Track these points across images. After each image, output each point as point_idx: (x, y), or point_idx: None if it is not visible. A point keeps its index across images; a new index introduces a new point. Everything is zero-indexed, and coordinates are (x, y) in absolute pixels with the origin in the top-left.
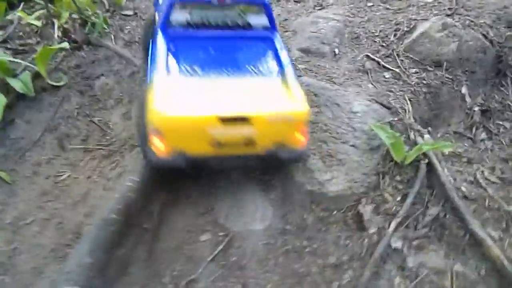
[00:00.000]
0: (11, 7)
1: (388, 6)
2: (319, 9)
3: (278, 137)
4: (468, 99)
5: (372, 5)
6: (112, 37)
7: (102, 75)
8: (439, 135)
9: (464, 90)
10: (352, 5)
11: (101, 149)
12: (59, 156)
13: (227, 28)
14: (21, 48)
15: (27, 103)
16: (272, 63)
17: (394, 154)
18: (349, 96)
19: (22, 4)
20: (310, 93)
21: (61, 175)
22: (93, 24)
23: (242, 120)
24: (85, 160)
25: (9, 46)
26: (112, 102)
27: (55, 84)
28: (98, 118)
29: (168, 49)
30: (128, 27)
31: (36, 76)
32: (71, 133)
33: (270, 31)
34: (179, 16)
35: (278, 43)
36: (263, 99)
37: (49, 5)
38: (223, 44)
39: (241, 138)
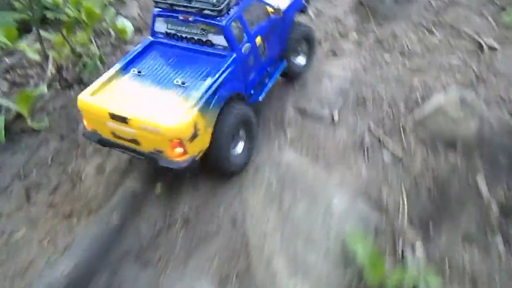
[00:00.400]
0: (28, 30)
1: (406, 63)
2: (333, 56)
3: (156, 144)
4: (485, 193)
5: (390, 60)
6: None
7: None
8: (442, 240)
9: (480, 181)
10: (368, 56)
11: (65, 206)
12: (22, 208)
13: (193, 42)
14: (19, 80)
15: (2, 145)
16: (198, 80)
17: (369, 276)
18: (331, 187)
19: (34, 29)
20: (287, 176)
21: (16, 233)
22: (86, 63)
23: (123, 120)
24: (46, 218)
25: (9, 76)
26: (91, 150)
27: (35, 127)
28: (73, 167)
29: (140, 51)
30: None
31: (18, 116)
32: (41, 182)
33: (227, 51)
34: (160, 26)
35: (225, 63)
36: (153, 108)
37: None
38: (180, 55)
39: (127, 134)
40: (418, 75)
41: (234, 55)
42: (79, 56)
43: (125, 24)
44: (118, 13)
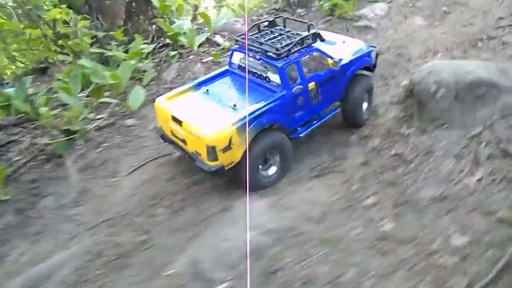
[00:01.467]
0: None
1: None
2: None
3: (197, 146)
4: None
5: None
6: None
7: (49, 195)
8: None
9: None
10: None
11: None
12: None
13: (256, 76)
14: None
15: None
16: (248, 105)
17: None
18: None
19: None
20: None
21: None
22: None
23: (179, 122)
24: None
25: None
26: (33, 231)
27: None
28: (11, 248)
29: (214, 76)
30: (107, 144)
31: None
32: None
33: (279, 88)
34: (235, 59)
35: (273, 97)
36: (203, 119)
37: None
38: (244, 84)
39: (180, 135)
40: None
41: (284, 92)
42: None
43: (139, 94)
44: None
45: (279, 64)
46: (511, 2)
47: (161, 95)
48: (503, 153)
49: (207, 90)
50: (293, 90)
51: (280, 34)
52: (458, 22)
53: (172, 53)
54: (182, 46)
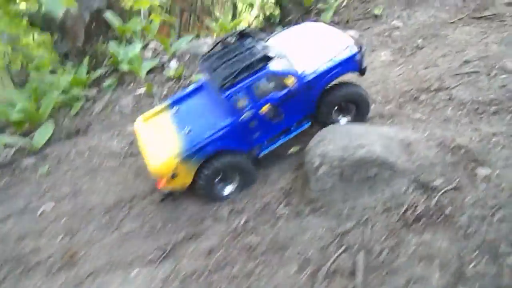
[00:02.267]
0: None
1: None
2: None
3: None
4: None
5: None
6: None
7: None
8: None
9: None
10: None
11: None
12: None
13: None
14: None
15: None
16: (201, 131)
17: None
18: None
19: None
20: None
21: None
22: None
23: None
24: None
25: None
26: None
27: None
28: None
29: (191, 91)
30: None
31: None
32: None
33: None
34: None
35: (221, 125)
36: (157, 147)
37: None
38: (210, 100)
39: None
40: None
41: (231, 120)
42: None
43: (46, 131)
44: None
45: (224, 94)
46: (494, 39)
47: (77, 130)
48: (350, 272)
49: (177, 110)
50: (242, 117)
51: (241, 53)
52: (424, 61)
53: (108, 82)
54: (131, 72)
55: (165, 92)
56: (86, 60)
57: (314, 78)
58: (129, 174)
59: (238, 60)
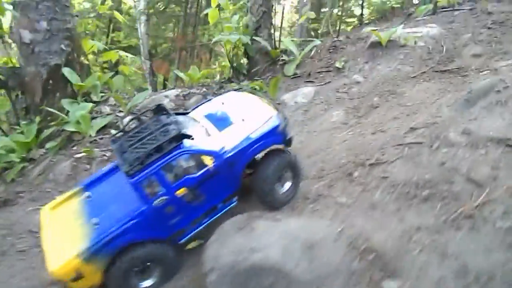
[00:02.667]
0: None
1: None
2: None
3: None
4: None
5: None
6: None
7: None
8: None
9: None
10: None
11: None
12: None
13: None
14: None
15: None
16: (110, 222)
17: None
18: None
19: None
20: None
21: None
22: None
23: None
24: None
25: None
26: None
27: None
28: None
29: (105, 172)
30: None
31: None
32: None
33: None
34: None
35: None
36: (60, 244)
37: None
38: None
39: None
40: None
41: (143, 209)
42: None
43: None
44: None
45: (133, 179)
46: (449, 99)
47: (6, 200)
48: None
49: (89, 196)
50: (155, 203)
51: (154, 131)
52: (373, 125)
53: (51, 143)
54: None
55: (109, 154)
56: (37, 119)
57: (235, 154)
58: (38, 259)
59: (148, 141)
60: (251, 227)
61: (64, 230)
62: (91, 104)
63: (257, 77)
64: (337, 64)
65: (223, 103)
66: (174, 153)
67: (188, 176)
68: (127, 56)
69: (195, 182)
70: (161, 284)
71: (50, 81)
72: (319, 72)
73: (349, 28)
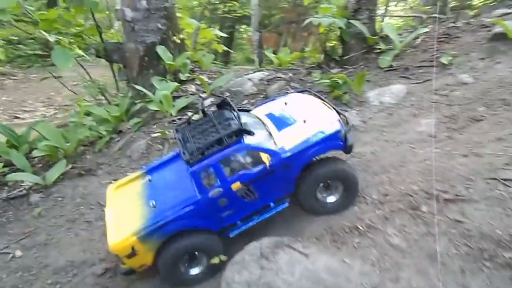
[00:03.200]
0: None
1: None
2: None
3: None
4: None
5: None
6: None
7: None
8: None
9: None
10: None
11: None
12: None
13: None
14: None
15: None
16: (167, 205)
17: None
18: None
19: None
20: None
21: None
22: None
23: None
24: None
25: None
26: None
27: None
28: None
29: (167, 160)
30: None
31: None
32: None
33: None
34: None
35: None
36: (121, 220)
37: None
38: (184, 174)
39: None
40: None
41: (198, 198)
42: None
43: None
44: None
45: (191, 169)
46: None
47: (89, 169)
48: None
49: (150, 180)
50: (210, 194)
51: (216, 124)
52: (468, 143)
53: (134, 120)
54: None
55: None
56: (129, 94)
57: (292, 155)
58: (99, 232)
59: (210, 133)
60: (274, 258)
61: (126, 209)
62: (175, 84)
63: (348, 65)
64: (443, 60)
65: (286, 103)
66: (234, 147)
67: (244, 171)
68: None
69: (250, 178)
70: (207, 275)
71: (146, 58)
72: (419, 66)
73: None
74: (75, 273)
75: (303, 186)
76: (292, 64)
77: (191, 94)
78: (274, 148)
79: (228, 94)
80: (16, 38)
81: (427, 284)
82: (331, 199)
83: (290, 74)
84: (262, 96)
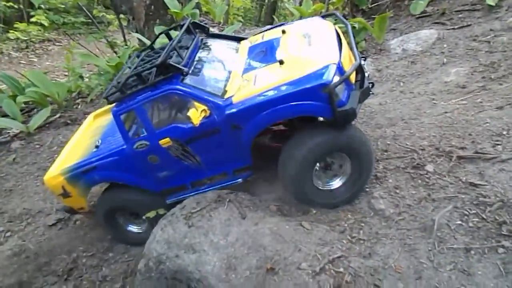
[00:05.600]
0: None
1: None
2: None
3: None
4: None
5: None
6: None
7: None
8: None
9: None
10: None
11: None
12: None
13: None
14: None
15: None
16: (107, 146)
17: None
18: None
19: None
20: None
21: None
22: None
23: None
24: None
25: None
26: None
27: None
28: None
29: None
30: None
31: None
32: None
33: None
34: None
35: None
36: (65, 159)
37: None
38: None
39: None
40: None
41: (123, 147)
42: None
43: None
44: None
45: (113, 109)
46: None
47: (75, 119)
48: None
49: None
50: (135, 146)
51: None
52: (506, 95)
53: None
54: None
55: None
56: (130, 45)
57: (239, 113)
58: None
59: (146, 65)
60: (209, 215)
61: (80, 142)
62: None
63: (376, 16)
64: (489, 1)
65: (283, 31)
66: (161, 88)
67: (175, 125)
68: None
69: (183, 136)
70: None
71: (152, 7)
72: (459, 10)
73: None
74: (29, 222)
75: (289, 168)
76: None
77: None
78: (217, 100)
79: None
80: (63, 6)
81: (412, 264)
82: (337, 183)
83: None
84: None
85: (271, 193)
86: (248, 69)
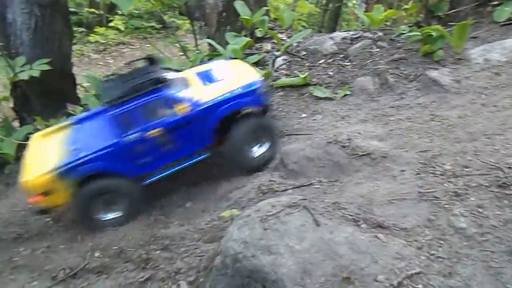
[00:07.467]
0: None
1: None
2: None
3: None
4: None
5: None
6: None
7: None
8: None
9: None
10: None
11: None
12: None
13: None
14: None
15: None
16: (87, 150)
17: None
18: None
19: None
20: None
21: None
22: None
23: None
24: None
25: None
26: None
27: None
28: None
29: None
30: None
31: None
32: None
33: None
34: None
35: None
36: (39, 161)
37: None
38: (110, 122)
39: None
40: None
41: (115, 141)
42: None
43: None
44: None
45: (108, 112)
46: None
47: None
48: None
49: (76, 129)
50: (125, 139)
51: (139, 76)
52: None
53: None
54: None
55: None
56: (202, 50)
57: (207, 108)
58: None
59: (132, 82)
60: (284, 219)
61: (46, 153)
62: (247, 39)
63: (454, 22)
64: None
65: (216, 66)
66: (152, 95)
67: (161, 120)
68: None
69: (166, 127)
70: (123, 220)
71: (224, 14)
72: None
73: None
74: None
75: (230, 141)
76: (386, 23)
77: (266, 52)
78: (192, 101)
79: (304, 53)
80: (137, 12)
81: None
82: (259, 151)
83: (380, 33)
84: (341, 56)
85: (344, 202)
86: (203, 84)
